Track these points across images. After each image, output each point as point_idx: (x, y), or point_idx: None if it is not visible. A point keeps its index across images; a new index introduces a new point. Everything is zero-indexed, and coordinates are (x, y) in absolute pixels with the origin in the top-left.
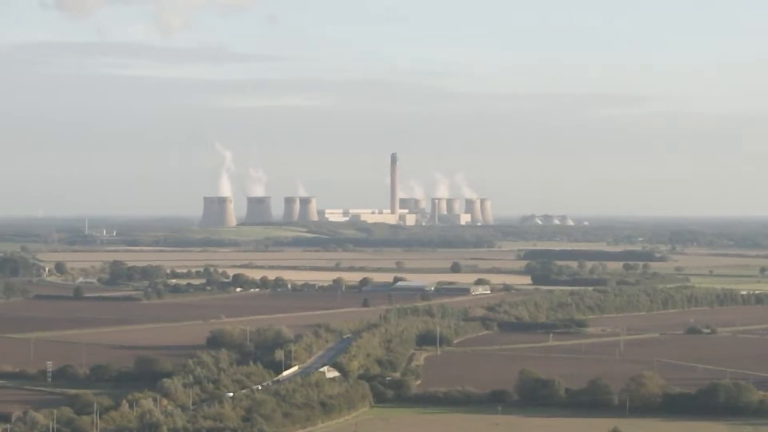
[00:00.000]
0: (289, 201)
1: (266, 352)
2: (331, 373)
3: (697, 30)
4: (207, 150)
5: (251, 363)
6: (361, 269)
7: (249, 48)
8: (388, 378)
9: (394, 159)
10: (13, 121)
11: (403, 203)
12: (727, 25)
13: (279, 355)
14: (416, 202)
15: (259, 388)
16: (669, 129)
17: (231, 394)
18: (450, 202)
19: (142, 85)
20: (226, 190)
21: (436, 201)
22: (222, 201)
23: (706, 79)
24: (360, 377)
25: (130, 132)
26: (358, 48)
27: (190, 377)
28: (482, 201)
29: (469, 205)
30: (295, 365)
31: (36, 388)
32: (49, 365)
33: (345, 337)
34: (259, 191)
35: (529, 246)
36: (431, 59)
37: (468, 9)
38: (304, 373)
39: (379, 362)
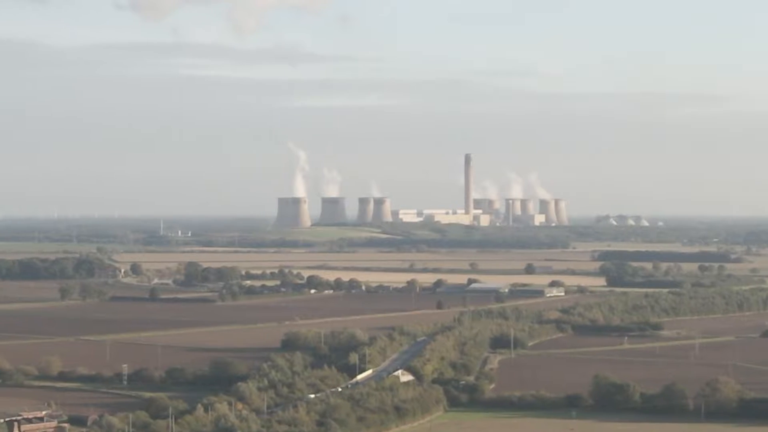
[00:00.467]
0: (363, 201)
1: (340, 355)
2: (405, 377)
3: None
4: (281, 150)
5: (326, 366)
6: (435, 270)
7: (322, 48)
8: (462, 382)
9: (468, 159)
10: (89, 123)
11: (477, 204)
12: None
13: (353, 358)
14: (490, 202)
15: (339, 389)
16: (745, 129)
17: (312, 396)
18: (524, 202)
19: (216, 85)
20: (300, 190)
21: (510, 201)
22: (296, 202)
23: None
24: (434, 381)
25: (205, 132)
26: (431, 48)
27: (265, 381)
28: (556, 201)
29: (543, 205)
30: (369, 368)
31: (112, 391)
32: (125, 368)
33: (419, 339)
34: (333, 191)
35: (604, 247)
36: (505, 59)
37: (542, 8)
38: (378, 377)
39: (453, 365)
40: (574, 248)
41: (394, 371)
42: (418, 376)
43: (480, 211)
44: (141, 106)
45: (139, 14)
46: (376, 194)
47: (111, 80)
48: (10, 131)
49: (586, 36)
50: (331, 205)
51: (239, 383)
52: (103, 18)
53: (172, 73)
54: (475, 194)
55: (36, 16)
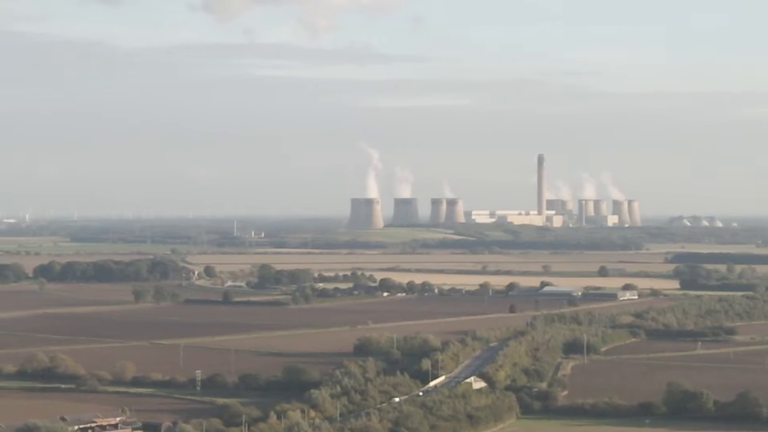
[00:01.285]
0: (435, 202)
1: (413, 361)
2: (478, 384)
3: None
4: (354, 150)
5: (398, 373)
6: (508, 273)
7: (395, 48)
8: (534, 389)
9: (540, 160)
10: (163, 124)
11: (550, 204)
12: None
13: (426, 364)
14: (563, 203)
15: (419, 394)
16: None
17: (398, 399)
18: (597, 203)
19: (290, 85)
20: (372, 190)
21: (583, 202)
22: (369, 202)
23: None
24: (507, 388)
25: (278, 132)
26: (503, 48)
27: (338, 387)
28: (629, 202)
29: (616, 206)
30: (441, 375)
31: (185, 396)
32: (198, 374)
33: (492, 345)
34: (405, 192)
35: (677, 248)
36: (577, 59)
37: (614, 7)
38: (450, 384)
39: (526, 372)
40: (647, 250)
41: (467, 378)
42: (491, 382)
43: (553, 211)
44: (214, 106)
45: (211, 15)
46: (449, 195)
47: (184, 81)
48: (84, 132)
49: (659, 35)
50: (404, 205)
51: (312, 390)
52: (175, 19)
53: (244, 73)
54: (547, 194)
55: (108, 18)
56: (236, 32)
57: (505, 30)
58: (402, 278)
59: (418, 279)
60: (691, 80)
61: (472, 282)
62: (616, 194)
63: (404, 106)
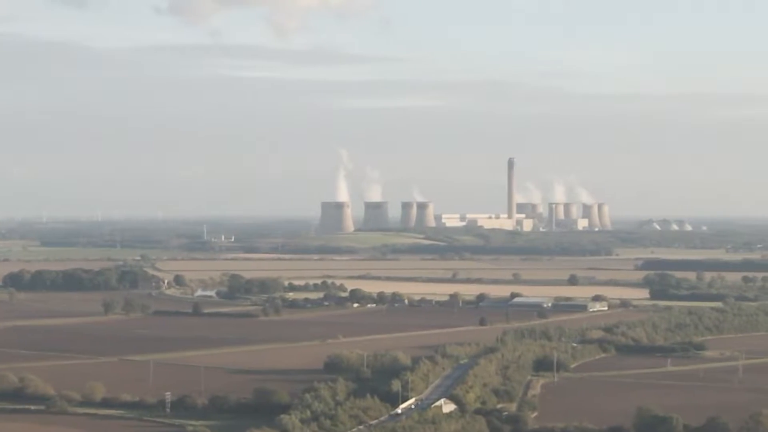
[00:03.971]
0: (406, 206)
1: (383, 380)
2: (448, 406)
3: None
4: (324, 151)
5: (368, 396)
6: (478, 281)
7: (365, 49)
8: (505, 413)
9: (511, 164)
10: (132, 124)
11: (520, 207)
12: None
13: (396, 385)
14: (533, 206)
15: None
16: None
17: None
18: (567, 206)
19: (259, 86)
20: (343, 192)
21: (553, 206)
22: (339, 206)
23: None
24: (477, 411)
25: (246, 133)
26: (473, 49)
27: (308, 412)
28: (599, 205)
29: (586, 209)
30: (411, 396)
31: (155, 419)
32: (168, 396)
33: (462, 362)
34: (375, 194)
35: (647, 253)
36: (550, 60)
37: (587, 9)
38: (420, 407)
39: (496, 392)
40: (617, 255)
41: (437, 400)
42: (461, 404)
43: (523, 215)
44: (182, 107)
45: (178, 17)
46: (419, 197)
47: (154, 81)
48: (54, 132)
49: (629, 36)
50: (374, 209)
51: (282, 416)
52: (143, 21)
53: (214, 74)
54: (518, 197)
55: (77, 19)
56: (204, 34)
57: (476, 31)
58: (372, 287)
59: (389, 288)
60: (663, 82)
61: (442, 291)
62: (586, 197)
63: (374, 108)
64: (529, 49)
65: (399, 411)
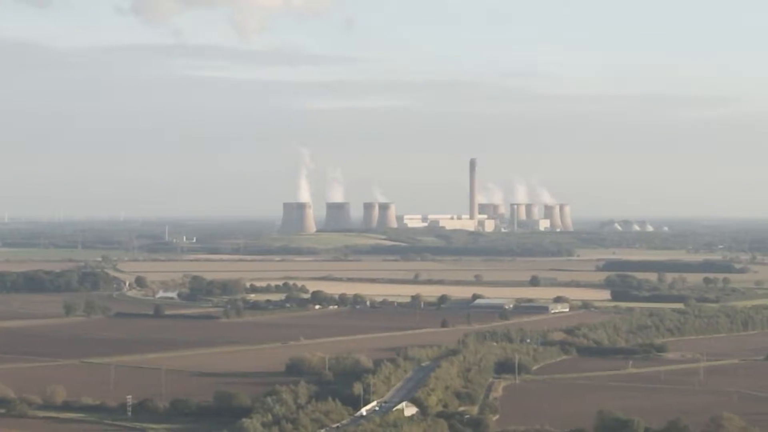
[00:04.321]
0: (368, 207)
1: (345, 383)
2: (410, 410)
3: None
4: (286, 151)
5: (330, 399)
6: (440, 282)
7: (327, 50)
8: (466, 416)
9: (473, 165)
10: (93, 124)
11: (482, 208)
12: None
13: (357, 388)
14: (495, 207)
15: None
16: (749, 130)
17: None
18: (529, 207)
19: (220, 86)
20: (305, 192)
21: (515, 206)
22: (301, 206)
23: None
24: (439, 414)
25: (208, 133)
26: (436, 50)
27: (269, 416)
28: (561, 206)
29: (547, 210)
30: (373, 399)
31: (116, 422)
32: (129, 399)
33: (423, 365)
34: (337, 194)
35: (609, 254)
36: (510, 60)
37: (547, 10)
38: (382, 410)
39: (458, 395)
40: (578, 256)
41: (399, 403)
42: (423, 407)
43: (485, 216)
44: (145, 107)
45: (140, 17)
46: (380, 198)
47: (114, 81)
48: (13, 131)
49: (591, 38)
50: (336, 210)
51: (244, 419)
52: (104, 21)
53: (175, 74)
54: (480, 198)
55: (39, 19)
56: (166, 34)
57: (438, 32)
58: (334, 288)
59: (351, 289)
60: (623, 83)
61: (404, 292)
62: (548, 197)
63: (337, 108)
64: (491, 49)
65: (364, 412)
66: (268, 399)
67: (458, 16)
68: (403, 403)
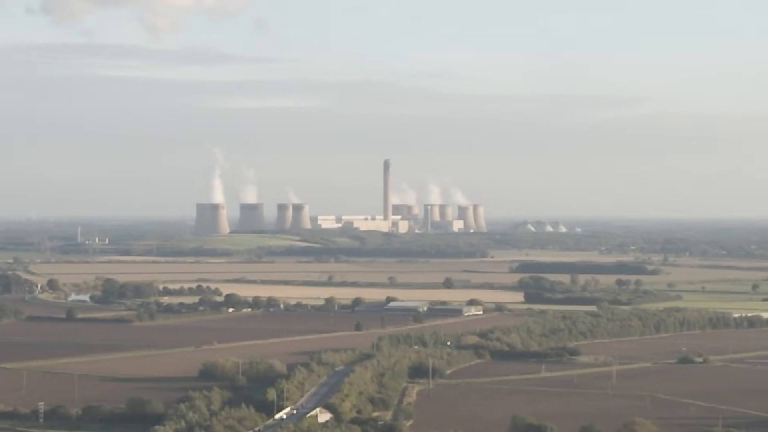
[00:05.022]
0: (281, 207)
1: (259, 388)
2: (324, 416)
3: (692, 32)
4: (198, 151)
5: (243, 405)
6: (354, 284)
7: (240, 50)
8: (380, 422)
9: (386, 166)
10: (5, 122)
11: (396, 209)
12: (724, 27)
13: (271, 394)
14: (409, 208)
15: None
16: (663, 131)
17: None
18: (442, 208)
19: (132, 86)
20: (218, 192)
21: (429, 207)
22: (214, 207)
23: (701, 80)
24: (352, 420)
25: (120, 133)
26: (349, 50)
27: (182, 423)
28: (475, 207)
29: (461, 211)
30: (287, 405)
31: (28, 429)
32: (41, 405)
33: (337, 369)
34: (251, 195)
35: (522, 255)
36: (424, 61)
37: (460, 11)
38: (296, 416)
39: (372, 400)
40: (492, 257)
41: (312, 409)
42: (337, 413)
43: (399, 217)
44: (55, 106)
45: (50, 17)
46: (294, 198)
47: (24, 81)
48: None
49: (504, 38)
50: (250, 210)
51: (156, 426)
52: (13, 21)
53: (85, 73)
54: (394, 198)
55: None
56: (76, 33)
57: (351, 32)
58: (248, 291)
59: (264, 292)
60: (536, 83)
61: (318, 294)
62: (462, 198)
63: (250, 108)
64: (404, 50)
65: (284, 416)
66: (182, 406)
67: (371, 16)
68: (317, 410)
